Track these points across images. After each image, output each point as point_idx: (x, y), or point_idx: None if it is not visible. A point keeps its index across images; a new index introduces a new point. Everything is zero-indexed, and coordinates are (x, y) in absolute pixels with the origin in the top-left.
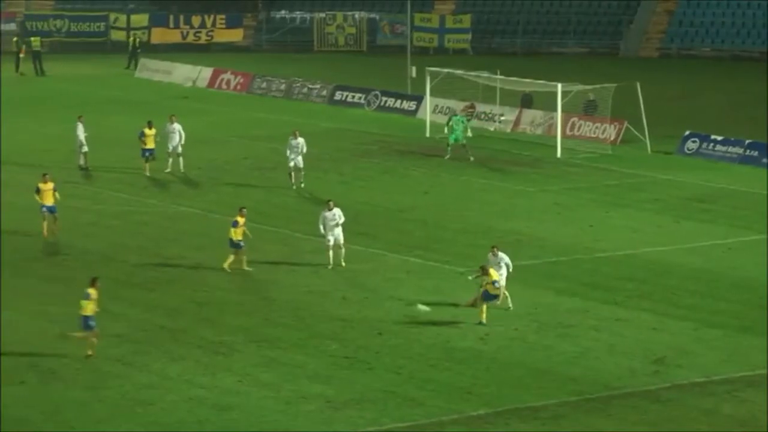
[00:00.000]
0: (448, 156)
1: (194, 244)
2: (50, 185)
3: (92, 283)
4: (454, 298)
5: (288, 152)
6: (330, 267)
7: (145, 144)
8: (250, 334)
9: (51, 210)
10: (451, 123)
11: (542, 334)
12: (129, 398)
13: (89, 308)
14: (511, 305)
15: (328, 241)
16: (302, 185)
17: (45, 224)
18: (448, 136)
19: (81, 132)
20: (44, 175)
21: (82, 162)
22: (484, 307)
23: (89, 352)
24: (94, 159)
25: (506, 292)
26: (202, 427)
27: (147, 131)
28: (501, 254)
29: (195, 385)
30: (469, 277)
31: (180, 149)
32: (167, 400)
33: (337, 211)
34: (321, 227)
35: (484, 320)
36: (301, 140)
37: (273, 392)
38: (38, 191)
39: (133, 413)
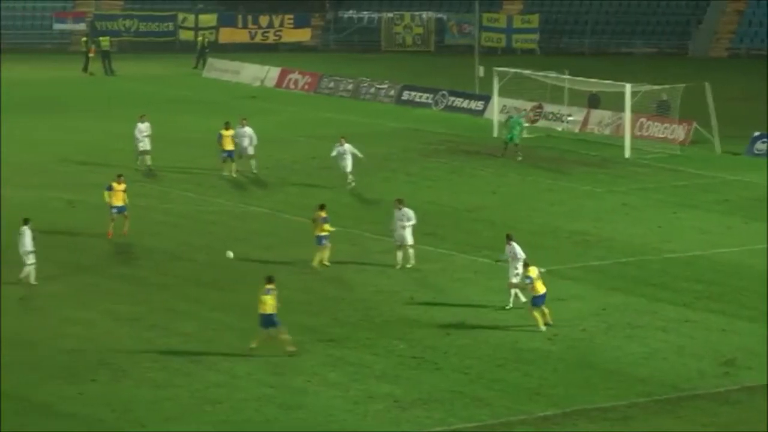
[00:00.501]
0: (501, 155)
1: (262, 243)
2: (123, 186)
3: (269, 280)
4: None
5: (335, 156)
6: (398, 267)
7: (224, 146)
8: (318, 333)
9: (121, 210)
10: (509, 123)
11: (610, 334)
12: (198, 396)
13: (270, 305)
14: (522, 299)
15: (396, 240)
16: (353, 185)
17: (112, 225)
18: (505, 136)
19: (142, 132)
20: (119, 176)
21: (142, 162)
22: (536, 314)
23: (290, 348)
24: (162, 159)
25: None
26: (269, 426)
27: (224, 132)
28: (514, 245)
29: (263, 384)
30: (497, 261)
31: (251, 151)
32: (236, 398)
33: (406, 211)
34: (392, 226)
35: (543, 327)
36: (347, 146)
37: (341, 392)
38: (110, 189)
39: (202, 411)
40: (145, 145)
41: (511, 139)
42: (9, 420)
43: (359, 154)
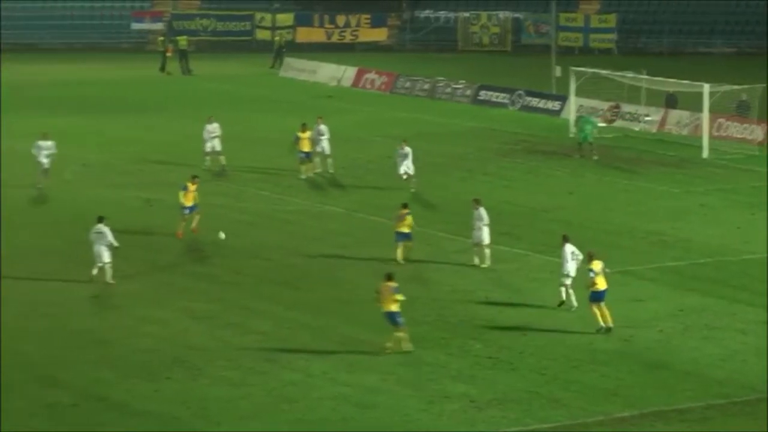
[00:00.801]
0: (578, 156)
1: (338, 242)
2: (195, 186)
3: (389, 277)
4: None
5: (397, 160)
6: (475, 266)
7: (301, 147)
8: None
9: (192, 210)
10: (579, 123)
11: (687, 336)
12: (274, 395)
13: (395, 304)
14: (575, 303)
15: (473, 240)
16: (412, 191)
17: (183, 225)
18: (578, 135)
19: (210, 133)
20: (194, 176)
21: (215, 163)
22: (596, 310)
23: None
24: (238, 158)
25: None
26: (345, 424)
27: (301, 134)
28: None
29: (338, 383)
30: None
31: (328, 150)
32: (311, 397)
33: (481, 211)
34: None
35: (602, 324)
36: (407, 149)
37: (416, 391)
38: (185, 189)
39: (277, 410)
40: (214, 145)
41: (585, 138)
42: (86, 419)
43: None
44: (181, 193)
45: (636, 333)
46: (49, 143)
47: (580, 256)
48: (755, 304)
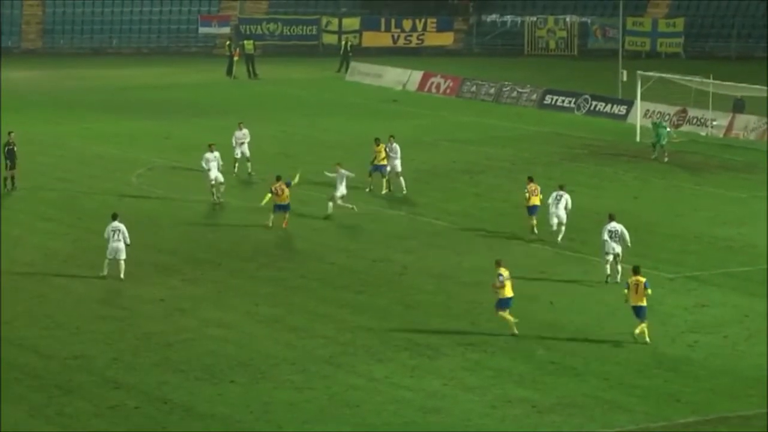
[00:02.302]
0: (653, 157)
1: (402, 246)
2: (282, 186)
3: (498, 263)
4: (663, 304)
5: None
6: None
7: (374, 159)
8: (457, 337)
9: (283, 209)
10: (655, 126)
11: (753, 342)
12: (336, 399)
13: (508, 290)
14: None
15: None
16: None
17: (272, 218)
18: (654, 138)
19: (239, 139)
20: (278, 178)
21: (242, 170)
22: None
23: (515, 331)
24: (304, 161)
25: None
26: (407, 428)
27: (375, 148)
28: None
29: (401, 387)
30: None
31: (399, 167)
32: (374, 401)
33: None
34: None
35: (647, 339)
36: (344, 171)
37: (478, 396)
38: (272, 192)
39: (340, 414)
40: (244, 151)
41: (659, 141)
42: (149, 421)
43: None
44: (269, 196)
45: (701, 338)
46: (216, 154)
47: (625, 234)
48: None
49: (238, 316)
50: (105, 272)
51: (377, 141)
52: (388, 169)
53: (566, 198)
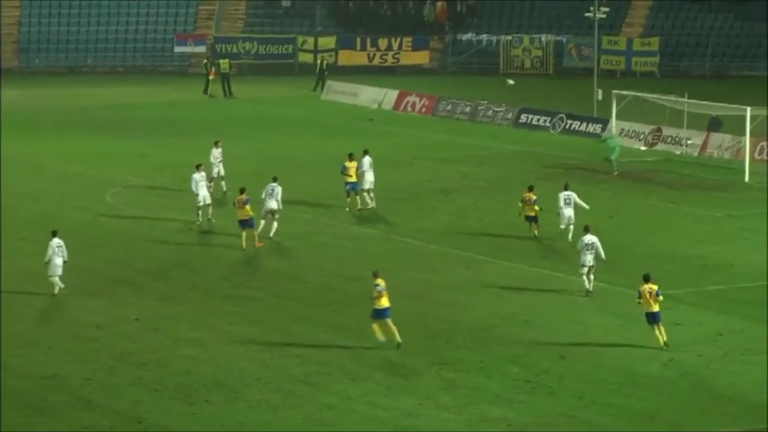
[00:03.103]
0: (615, 171)
1: (377, 265)
2: (243, 197)
3: (375, 275)
4: (637, 322)
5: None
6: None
7: (349, 177)
8: (432, 356)
9: (247, 224)
10: (607, 141)
11: (727, 360)
12: (311, 419)
13: (384, 301)
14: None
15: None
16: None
17: (243, 237)
18: (606, 152)
19: (217, 158)
20: (242, 190)
21: (217, 189)
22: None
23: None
24: (280, 180)
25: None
26: None
27: (348, 164)
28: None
29: (376, 407)
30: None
31: (368, 185)
32: (349, 420)
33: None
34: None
35: (397, 339)
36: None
37: (453, 415)
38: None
39: None
40: (220, 170)
41: (611, 154)
42: None
43: (210, 186)
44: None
45: (676, 357)
46: (203, 174)
47: (599, 247)
48: None
49: (213, 336)
50: (56, 290)
51: (351, 156)
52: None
53: (574, 196)
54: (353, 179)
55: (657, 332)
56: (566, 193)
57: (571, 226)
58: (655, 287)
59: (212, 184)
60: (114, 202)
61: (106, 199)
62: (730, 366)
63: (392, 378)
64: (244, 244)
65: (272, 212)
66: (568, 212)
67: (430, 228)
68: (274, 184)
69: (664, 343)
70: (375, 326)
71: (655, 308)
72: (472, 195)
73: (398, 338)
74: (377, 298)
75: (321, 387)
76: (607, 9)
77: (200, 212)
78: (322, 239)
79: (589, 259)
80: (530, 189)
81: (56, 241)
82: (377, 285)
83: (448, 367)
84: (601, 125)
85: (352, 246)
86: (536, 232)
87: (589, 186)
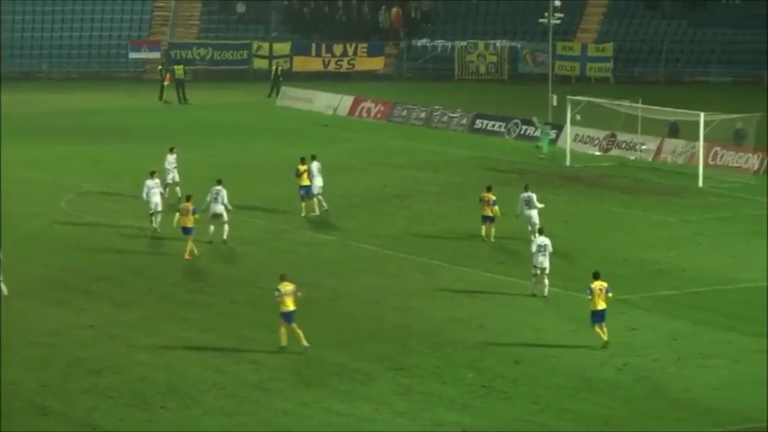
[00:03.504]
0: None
1: (331, 271)
2: (190, 207)
3: (282, 277)
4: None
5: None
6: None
7: (301, 181)
8: (387, 361)
9: (188, 232)
10: (542, 134)
11: (681, 365)
12: (266, 424)
13: (290, 304)
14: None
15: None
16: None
17: (187, 247)
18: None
19: (171, 164)
20: (188, 197)
21: (172, 195)
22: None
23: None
24: (232, 187)
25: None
26: None
27: (301, 167)
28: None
29: (331, 413)
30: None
31: (317, 190)
32: (304, 426)
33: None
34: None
35: (298, 344)
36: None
37: (409, 420)
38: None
39: None
40: (174, 176)
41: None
42: None
43: (165, 192)
44: (178, 217)
45: (630, 361)
46: (157, 181)
47: (550, 249)
48: (750, 332)
49: (168, 342)
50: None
51: (303, 160)
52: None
53: (534, 198)
54: (307, 183)
55: (599, 330)
56: (526, 194)
57: (537, 227)
58: (605, 284)
59: (167, 190)
60: (69, 209)
61: (61, 205)
62: (684, 370)
63: (347, 383)
64: (186, 252)
65: (219, 216)
66: (531, 214)
67: (385, 233)
68: (219, 188)
69: (605, 342)
70: (287, 329)
71: (602, 305)
72: (428, 200)
73: (304, 342)
74: (281, 302)
75: (276, 393)
76: (562, 15)
77: (153, 218)
78: (276, 245)
79: (541, 260)
80: (488, 189)
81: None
82: (277, 289)
83: (404, 373)
84: (556, 131)
85: (308, 251)
86: (492, 235)
87: (544, 191)
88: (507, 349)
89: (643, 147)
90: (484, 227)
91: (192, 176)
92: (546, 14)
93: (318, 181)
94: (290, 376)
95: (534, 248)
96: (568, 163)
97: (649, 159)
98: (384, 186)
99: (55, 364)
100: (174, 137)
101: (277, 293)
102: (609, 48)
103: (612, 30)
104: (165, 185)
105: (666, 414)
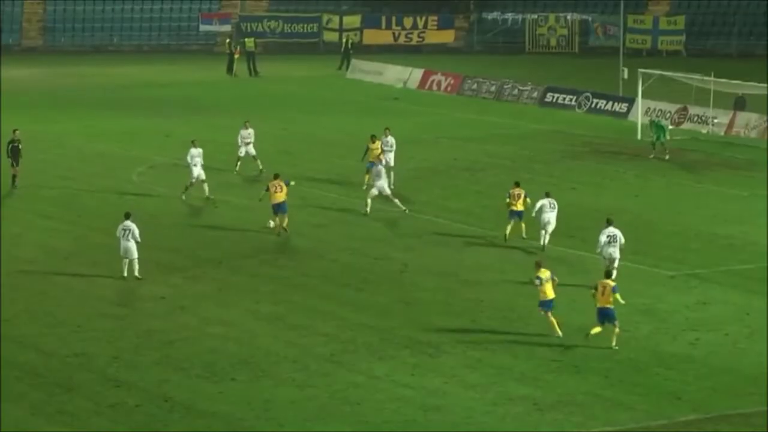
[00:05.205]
0: (652, 156)
1: (403, 244)
2: (281, 183)
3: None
4: (663, 302)
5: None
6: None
7: (370, 157)
8: (458, 335)
9: (282, 209)
10: (653, 126)
11: (754, 339)
12: (337, 397)
13: (549, 291)
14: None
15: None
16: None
17: (277, 220)
18: (652, 137)
19: (245, 138)
20: (276, 176)
21: (239, 168)
22: (598, 328)
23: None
24: (303, 160)
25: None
26: (408, 427)
27: (371, 145)
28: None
29: (401, 385)
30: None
31: (392, 162)
32: (374, 399)
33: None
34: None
35: (614, 344)
36: (198, 150)
37: (479, 393)
38: (268, 190)
39: (341, 412)
40: (249, 150)
41: (658, 138)
42: (150, 419)
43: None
44: (267, 193)
45: (702, 336)
46: (200, 150)
47: (622, 240)
48: None
49: (239, 314)
50: (125, 273)
51: (373, 138)
52: (384, 163)
53: (555, 203)
54: (375, 160)
55: (597, 329)
56: (550, 200)
57: (550, 229)
58: (612, 284)
59: (239, 164)
60: (140, 181)
61: (132, 177)
62: (757, 345)
63: (418, 356)
64: (272, 224)
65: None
66: (551, 219)
67: (455, 207)
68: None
69: (589, 337)
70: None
71: (608, 304)
72: (498, 174)
73: (558, 332)
74: (540, 291)
75: (347, 366)
76: None
77: (190, 187)
78: (347, 218)
79: (611, 251)
80: (517, 184)
81: (125, 223)
82: (538, 277)
83: (474, 346)
84: (626, 104)
85: (378, 225)
86: (523, 231)
87: (615, 165)
88: (577, 324)
89: (715, 120)
90: (510, 224)
91: (263, 150)
92: None
93: (391, 156)
94: (361, 349)
95: (603, 239)
96: (639, 136)
97: (721, 133)
98: (454, 159)
99: (128, 335)
100: (244, 110)
101: (537, 281)
102: (681, 21)
103: (684, 3)
104: (238, 159)
105: (738, 389)
